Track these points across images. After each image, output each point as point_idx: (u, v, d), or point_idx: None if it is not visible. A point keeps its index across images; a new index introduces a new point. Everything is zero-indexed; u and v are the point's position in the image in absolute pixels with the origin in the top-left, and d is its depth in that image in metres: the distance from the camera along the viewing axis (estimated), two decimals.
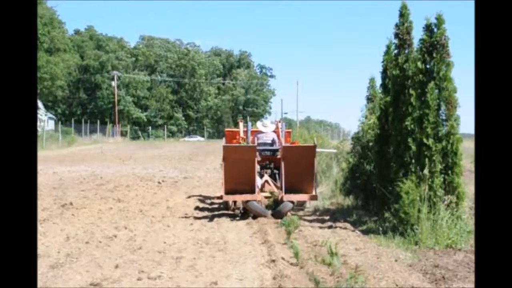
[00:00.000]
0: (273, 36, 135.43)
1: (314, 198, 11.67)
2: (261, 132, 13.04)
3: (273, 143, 12.76)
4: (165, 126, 75.51)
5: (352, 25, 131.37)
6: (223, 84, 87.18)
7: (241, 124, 14.29)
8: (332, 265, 5.64)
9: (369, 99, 12.94)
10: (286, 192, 11.19)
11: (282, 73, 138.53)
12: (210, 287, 6.28)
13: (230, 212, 12.19)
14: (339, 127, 75.92)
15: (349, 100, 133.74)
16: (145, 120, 76.21)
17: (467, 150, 30.57)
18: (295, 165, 11.21)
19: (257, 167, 11.59)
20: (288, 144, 12.43)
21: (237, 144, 12.85)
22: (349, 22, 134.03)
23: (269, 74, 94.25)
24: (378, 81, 12.20)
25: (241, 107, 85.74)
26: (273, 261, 7.28)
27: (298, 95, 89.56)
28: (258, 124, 13.51)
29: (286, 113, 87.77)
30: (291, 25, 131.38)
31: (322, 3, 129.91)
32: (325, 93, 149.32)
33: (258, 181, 11.56)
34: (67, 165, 24.05)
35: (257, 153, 11.60)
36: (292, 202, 11.34)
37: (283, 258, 7.42)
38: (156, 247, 8.39)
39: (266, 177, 12.11)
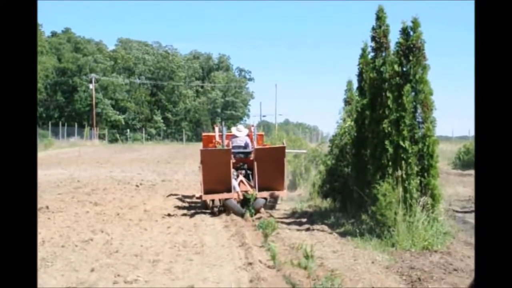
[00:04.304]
0: (252, 39, 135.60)
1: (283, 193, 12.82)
2: (235, 136, 13.79)
3: (246, 146, 13.49)
4: (144, 129, 75.11)
5: (330, 27, 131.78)
6: (202, 87, 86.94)
7: (216, 129, 14.84)
8: (308, 268, 5.63)
9: (347, 102, 13.04)
10: (259, 190, 12.21)
11: (261, 76, 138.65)
12: None
13: (208, 214, 12.36)
14: (317, 129, 76.01)
15: (328, 103, 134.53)
16: (123, 123, 75.61)
17: (444, 152, 31.02)
18: (267, 165, 12.17)
19: (232, 171, 12.35)
20: (260, 146, 13.25)
21: (213, 148, 13.46)
22: (327, 24, 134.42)
23: (248, 77, 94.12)
24: (355, 84, 12.27)
25: (219, 110, 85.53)
26: (250, 264, 7.26)
27: (277, 98, 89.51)
28: (233, 129, 14.46)
29: (264, 116, 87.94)
30: (270, 28, 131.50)
31: (300, 5, 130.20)
32: (304, 96, 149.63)
33: (234, 182, 12.28)
34: (43, 168, 23.79)
35: (232, 156, 12.40)
36: (264, 198, 12.43)
37: (260, 261, 7.41)
38: (132, 251, 8.34)
39: (240, 177, 12.77)
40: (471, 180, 21.14)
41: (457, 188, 17.65)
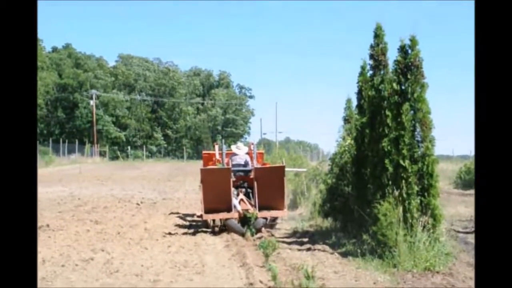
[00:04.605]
0: (252, 56, 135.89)
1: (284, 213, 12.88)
2: (235, 154, 13.80)
3: (246, 164, 13.50)
4: (145, 146, 75.15)
5: (330, 45, 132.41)
6: (202, 104, 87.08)
7: (216, 147, 14.91)
8: None
9: (346, 120, 13.04)
10: (259, 210, 12.25)
11: (261, 93, 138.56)
12: None
13: (209, 233, 12.36)
14: (318, 147, 76.03)
15: (329, 121, 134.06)
16: (124, 140, 75.72)
17: (445, 171, 30.91)
18: (266, 185, 12.23)
19: (232, 189, 12.39)
20: (259, 166, 13.33)
21: (213, 167, 13.49)
22: (327, 42, 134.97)
23: (248, 94, 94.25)
24: (355, 102, 12.30)
25: (220, 127, 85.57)
26: (251, 284, 7.25)
27: (278, 115, 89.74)
28: (232, 147, 14.47)
29: (265, 134, 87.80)
30: (271, 45, 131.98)
31: (302, 22, 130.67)
32: (305, 114, 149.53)
33: (234, 200, 12.31)
34: (44, 185, 23.71)
35: (232, 174, 12.48)
36: (265, 218, 12.54)
37: (261, 281, 7.38)
38: (133, 270, 8.32)
39: (241, 195, 12.79)
40: (472, 200, 21.07)
41: (459, 208, 17.60)
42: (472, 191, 24.44)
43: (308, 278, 6.09)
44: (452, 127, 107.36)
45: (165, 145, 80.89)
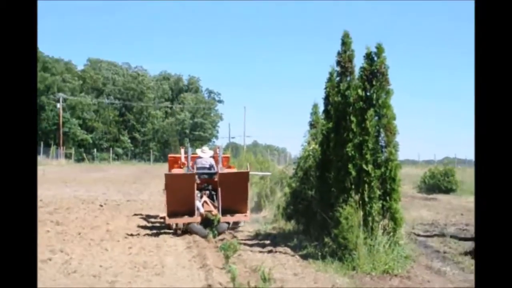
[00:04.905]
0: (221, 61, 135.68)
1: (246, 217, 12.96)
2: (200, 157, 13.98)
3: (210, 167, 13.60)
4: (111, 148, 74.47)
5: (298, 50, 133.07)
6: (171, 108, 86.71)
7: (182, 151, 14.95)
8: None
9: (312, 125, 13.10)
10: (222, 214, 12.42)
11: (230, 97, 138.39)
12: None
13: (171, 235, 12.35)
14: (286, 151, 76.13)
15: (297, 125, 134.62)
16: (91, 142, 74.95)
17: (410, 176, 31.24)
18: (230, 189, 12.32)
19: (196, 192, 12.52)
20: (224, 171, 13.35)
21: (177, 172, 13.41)
22: (295, 47, 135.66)
23: (217, 99, 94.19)
24: (322, 108, 12.34)
25: (187, 131, 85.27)
26: (210, 286, 7.21)
27: (246, 120, 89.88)
28: (198, 150, 14.62)
29: (233, 138, 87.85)
30: (239, 51, 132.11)
31: (270, 27, 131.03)
32: (273, 118, 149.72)
33: (199, 203, 12.42)
34: None
35: (197, 177, 12.61)
36: (227, 223, 12.70)
37: (220, 283, 7.34)
38: (91, 271, 8.20)
39: (205, 197, 12.92)
40: (435, 204, 21.40)
41: (421, 211, 17.79)
42: (435, 195, 24.81)
43: (264, 280, 6.07)
44: (418, 133, 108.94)
45: (132, 148, 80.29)
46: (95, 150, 73.15)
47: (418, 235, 12.53)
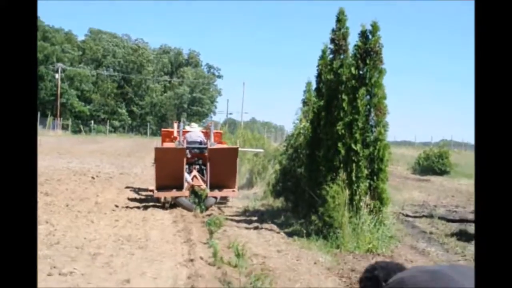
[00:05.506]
0: (222, 36, 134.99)
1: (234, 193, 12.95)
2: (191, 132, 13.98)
3: (201, 142, 13.60)
4: (108, 121, 74.27)
5: (297, 26, 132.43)
6: (170, 82, 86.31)
7: (175, 125, 14.99)
8: (238, 267, 5.58)
9: (305, 103, 13.01)
10: (210, 189, 12.44)
11: (229, 73, 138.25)
12: (121, 285, 6.13)
13: (159, 208, 12.33)
14: (283, 129, 76.01)
15: (295, 103, 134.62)
16: (88, 114, 74.67)
17: (406, 157, 31.19)
18: (219, 165, 12.35)
19: (186, 166, 12.56)
20: (214, 146, 13.27)
21: (168, 147, 13.49)
22: (294, 23, 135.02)
23: (216, 74, 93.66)
24: (315, 85, 12.24)
25: (186, 106, 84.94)
26: (191, 260, 7.20)
27: (245, 96, 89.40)
28: (187, 127, 14.82)
29: (231, 114, 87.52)
30: (240, 26, 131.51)
31: (269, 4, 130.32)
32: (272, 96, 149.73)
33: (188, 176, 12.49)
34: None
35: (187, 151, 12.72)
36: (215, 197, 12.72)
37: (201, 258, 7.34)
38: (74, 243, 8.17)
39: (194, 172, 12.94)
40: (428, 185, 21.41)
41: (413, 193, 17.80)
42: (428, 177, 24.83)
43: (238, 256, 6.03)
44: (415, 115, 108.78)
45: (130, 121, 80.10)
46: (92, 122, 72.98)
47: (407, 215, 12.54)
